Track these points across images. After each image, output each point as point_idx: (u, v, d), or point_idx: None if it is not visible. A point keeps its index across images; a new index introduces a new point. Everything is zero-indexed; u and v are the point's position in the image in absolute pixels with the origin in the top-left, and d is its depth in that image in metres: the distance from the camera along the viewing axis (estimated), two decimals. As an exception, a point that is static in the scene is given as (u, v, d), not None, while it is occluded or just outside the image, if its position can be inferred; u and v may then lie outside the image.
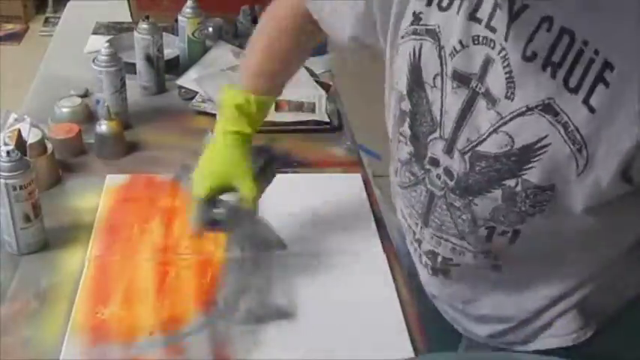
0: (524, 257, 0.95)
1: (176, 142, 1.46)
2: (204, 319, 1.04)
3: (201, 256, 1.16)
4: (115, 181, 1.33)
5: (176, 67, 1.71)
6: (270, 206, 1.27)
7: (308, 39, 1.17)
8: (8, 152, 1.08)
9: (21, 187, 1.09)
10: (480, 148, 0.87)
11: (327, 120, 1.55)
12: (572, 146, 0.80)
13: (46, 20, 4.22)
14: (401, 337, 1.04)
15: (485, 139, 0.86)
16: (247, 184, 1.09)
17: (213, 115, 1.54)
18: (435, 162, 0.94)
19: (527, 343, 1.05)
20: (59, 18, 2.18)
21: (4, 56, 3.70)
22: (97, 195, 1.29)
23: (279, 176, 1.37)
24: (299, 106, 1.59)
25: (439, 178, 0.95)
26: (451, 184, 0.93)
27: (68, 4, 2.18)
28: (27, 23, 4.20)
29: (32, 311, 1.05)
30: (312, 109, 1.58)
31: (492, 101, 0.84)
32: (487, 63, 0.84)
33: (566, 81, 0.78)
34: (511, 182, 0.87)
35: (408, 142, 0.98)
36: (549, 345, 1.03)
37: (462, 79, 0.87)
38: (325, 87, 1.68)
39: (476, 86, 0.86)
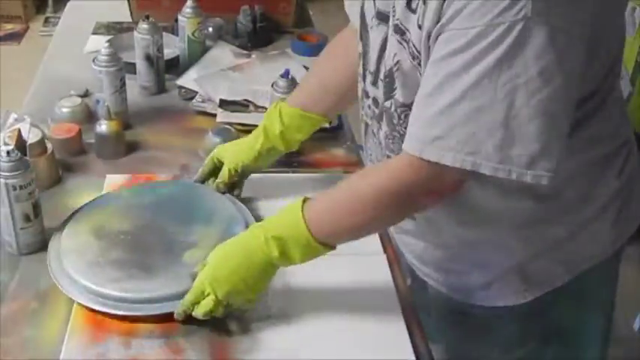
0: None
1: (176, 142, 1.46)
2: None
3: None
4: (115, 181, 1.33)
5: (176, 67, 1.71)
6: (271, 206, 1.28)
7: None
8: (8, 152, 1.08)
9: (21, 187, 1.09)
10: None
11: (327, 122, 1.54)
12: (412, 61, 0.93)
13: (46, 20, 4.22)
14: (401, 337, 1.04)
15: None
16: None
17: (213, 115, 1.54)
18: (367, 94, 1.08)
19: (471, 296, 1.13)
20: (59, 18, 2.19)
21: (4, 56, 3.70)
22: (96, 195, 1.29)
23: (279, 176, 1.38)
24: (299, 106, 1.58)
25: (369, 108, 1.09)
26: (376, 111, 1.06)
27: (68, 4, 2.18)
28: (27, 23, 4.20)
29: (32, 311, 1.05)
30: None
31: (399, 32, 0.96)
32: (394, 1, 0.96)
33: (409, 2, 0.92)
34: (387, 104, 1.01)
35: (359, 80, 1.11)
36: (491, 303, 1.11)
37: (382, 17, 1.00)
38: (325, 87, 1.67)
39: (391, 21, 0.98)
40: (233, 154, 1.26)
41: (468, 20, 0.82)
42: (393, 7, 0.96)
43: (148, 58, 1.58)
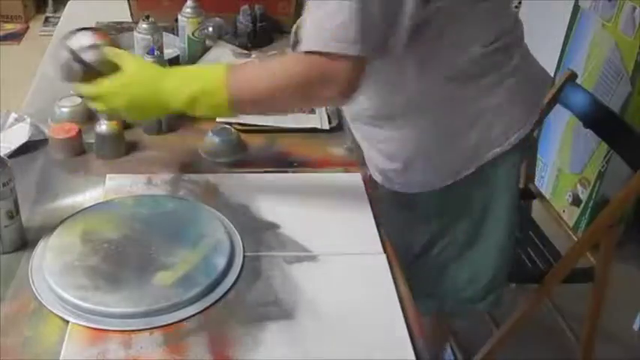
0: None
1: (176, 142, 1.46)
2: (204, 319, 1.04)
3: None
4: (115, 181, 1.33)
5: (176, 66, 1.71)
6: (271, 206, 1.28)
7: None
8: None
9: (4, 185, 1.09)
10: None
11: (327, 124, 1.54)
12: None
13: (46, 20, 4.23)
14: (401, 337, 1.04)
15: None
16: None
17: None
18: None
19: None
20: (59, 18, 2.19)
21: (4, 56, 3.70)
22: (97, 195, 1.29)
23: (279, 176, 1.38)
24: (299, 106, 1.59)
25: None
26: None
27: (68, 4, 2.19)
28: (27, 23, 4.21)
29: (32, 311, 1.05)
30: (312, 109, 1.58)
31: None
32: None
33: None
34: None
35: None
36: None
37: None
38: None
39: None
40: None
41: None
42: None
43: (148, 58, 1.58)
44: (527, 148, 1.40)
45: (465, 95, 1.25)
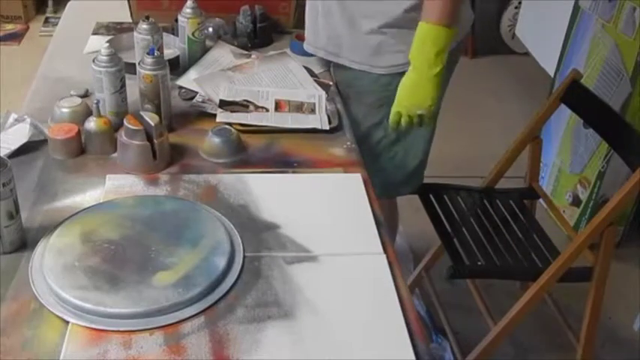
0: None
1: (176, 142, 1.46)
2: (204, 319, 1.04)
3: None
4: (115, 181, 1.33)
5: (176, 67, 1.71)
6: (271, 206, 1.28)
7: None
8: None
9: (4, 185, 1.09)
10: None
11: (327, 124, 1.54)
12: None
13: (46, 20, 4.22)
14: (401, 337, 1.04)
15: None
16: None
17: (213, 115, 1.54)
18: None
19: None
20: (59, 18, 2.19)
21: (4, 56, 3.70)
22: (97, 195, 1.29)
23: (279, 176, 1.38)
24: (299, 107, 1.59)
25: None
26: None
27: (68, 4, 2.19)
28: (27, 23, 4.21)
29: (32, 311, 1.05)
30: (312, 109, 1.59)
31: None
32: None
33: None
34: None
35: None
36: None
37: None
38: (325, 87, 1.68)
39: None
40: None
41: None
42: None
43: (148, 59, 1.58)
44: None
45: None
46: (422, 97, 1.51)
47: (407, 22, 1.56)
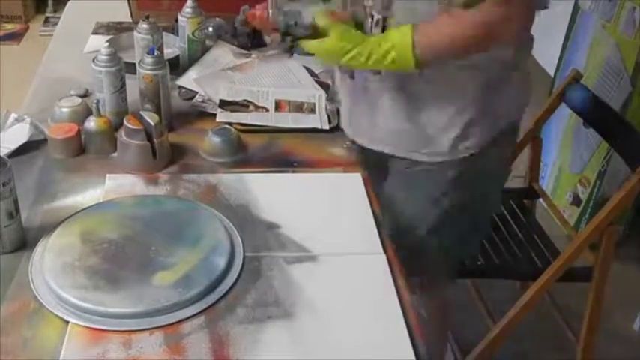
0: None
1: (176, 142, 1.45)
2: (204, 319, 1.04)
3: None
4: (115, 181, 1.33)
5: (176, 67, 1.71)
6: (271, 206, 1.28)
7: None
8: None
9: (4, 185, 1.09)
10: None
11: (327, 124, 1.54)
12: None
13: (46, 20, 4.22)
14: (401, 337, 1.04)
15: None
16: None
17: (213, 115, 1.54)
18: None
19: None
20: (59, 18, 2.19)
21: (4, 56, 3.70)
22: (97, 195, 1.29)
23: (279, 176, 1.38)
24: (299, 106, 1.59)
25: None
26: None
27: (68, 4, 2.19)
28: (27, 23, 4.21)
29: (32, 311, 1.05)
30: (312, 109, 1.59)
31: None
32: None
33: None
34: None
35: None
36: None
37: None
38: (325, 87, 1.68)
39: None
40: None
41: None
42: None
43: (148, 58, 1.58)
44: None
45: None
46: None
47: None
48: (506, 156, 1.53)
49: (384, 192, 1.47)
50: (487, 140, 1.38)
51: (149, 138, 1.34)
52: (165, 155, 1.38)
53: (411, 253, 1.27)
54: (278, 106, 1.58)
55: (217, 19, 1.86)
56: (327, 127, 1.53)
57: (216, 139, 1.42)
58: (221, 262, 1.12)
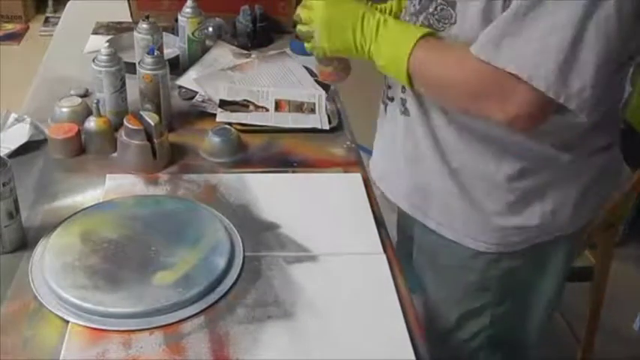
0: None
1: (176, 142, 1.46)
2: (204, 319, 1.04)
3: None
4: (115, 181, 1.33)
5: (176, 67, 1.71)
6: (271, 206, 1.28)
7: None
8: None
9: (4, 185, 1.09)
10: None
11: (327, 124, 1.54)
12: None
13: (46, 20, 4.22)
14: (401, 337, 1.04)
15: None
16: None
17: (213, 115, 1.54)
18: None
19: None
20: (59, 18, 2.19)
21: (4, 56, 3.70)
22: (97, 195, 1.29)
23: (279, 176, 1.38)
24: (299, 106, 1.59)
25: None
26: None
27: (68, 4, 2.19)
28: (27, 23, 4.21)
29: (32, 311, 1.05)
30: (312, 109, 1.59)
31: None
32: None
33: None
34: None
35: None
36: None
37: None
38: (325, 87, 1.68)
39: None
40: None
41: None
42: None
43: (148, 58, 1.58)
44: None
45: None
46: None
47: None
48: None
49: None
50: None
51: (149, 138, 1.34)
52: (165, 155, 1.38)
53: None
54: (278, 106, 1.58)
55: (217, 19, 1.87)
56: (327, 127, 1.53)
57: (216, 139, 1.42)
58: (221, 262, 1.12)
